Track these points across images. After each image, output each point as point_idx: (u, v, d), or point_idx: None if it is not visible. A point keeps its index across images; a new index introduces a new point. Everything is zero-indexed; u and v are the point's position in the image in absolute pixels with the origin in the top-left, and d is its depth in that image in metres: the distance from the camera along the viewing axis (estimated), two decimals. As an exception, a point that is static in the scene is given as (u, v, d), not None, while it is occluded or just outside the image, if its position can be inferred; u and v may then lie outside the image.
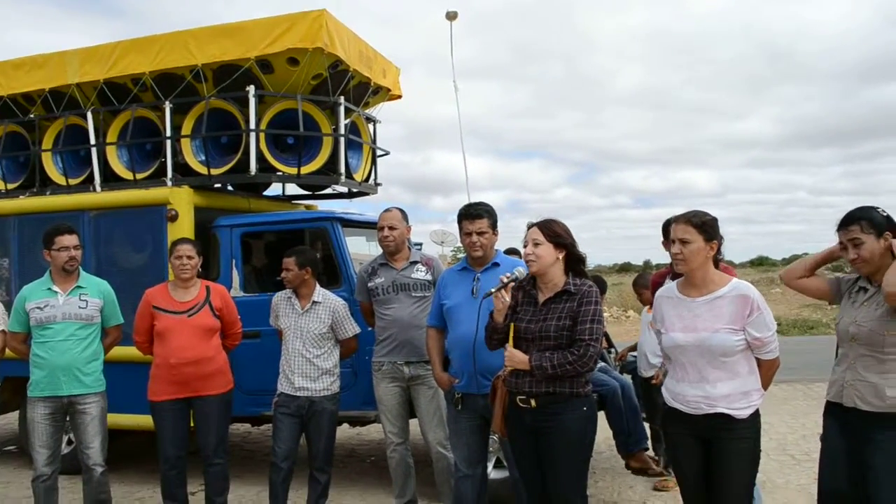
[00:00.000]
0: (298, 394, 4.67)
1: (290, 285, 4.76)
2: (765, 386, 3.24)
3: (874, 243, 3.09)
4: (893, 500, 2.99)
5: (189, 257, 4.71)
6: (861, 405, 3.10)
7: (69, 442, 5.79)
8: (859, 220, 3.13)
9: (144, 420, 4.99)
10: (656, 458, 5.62)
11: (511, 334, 3.45)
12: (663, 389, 3.41)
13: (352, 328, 4.83)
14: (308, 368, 4.68)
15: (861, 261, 3.13)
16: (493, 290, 3.50)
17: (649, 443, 5.41)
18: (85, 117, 6.47)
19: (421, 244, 7.70)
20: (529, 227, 3.49)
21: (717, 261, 3.33)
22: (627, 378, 5.67)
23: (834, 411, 3.26)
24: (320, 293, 4.82)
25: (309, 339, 4.68)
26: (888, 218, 3.13)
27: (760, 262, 48.57)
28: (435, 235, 16.71)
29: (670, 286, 3.41)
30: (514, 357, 3.36)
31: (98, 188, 6.39)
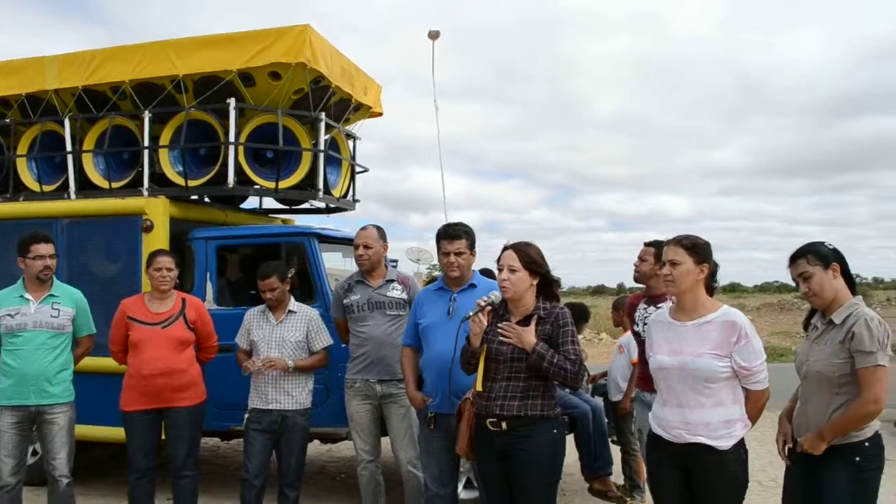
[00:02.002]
0: (270, 407, 4.64)
1: (276, 303, 4.74)
2: (753, 419, 3.19)
3: (822, 275, 3.14)
4: None
5: (168, 269, 4.69)
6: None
7: (34, 452, 5.69)
8: (806, 253, 3.19)
9: (112, 432, 4.93)
10: (623, 484, 5.66)
11: (483, 355, 3.45)
12: (650, 415, 3.39)
13: (325, 339, 4.83)
14: (282, 381, 4.66)
15: (812, 293, 3.18)
16: (470, 314, 3.49)
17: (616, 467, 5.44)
18: (62, 124, 6.42)
19: (397, 261, 7.71)
20: (505, 248, 3.50)
21: (711, 287, 3.30)
22: (599, 401, 5.70)
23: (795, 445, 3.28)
24: (294, 303, 4.83)
25: (286, 348, 4.67)
26: (834, 251, 3.19)
27: (732, 289, 49.17)
28: (411, 253, 16.66)
29: (663, 311, 3.42)
30: (522, 336, 3.30)
31: (73, 196, 6.33)
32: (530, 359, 3.27)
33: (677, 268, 3.19)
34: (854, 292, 3.21)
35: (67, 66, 6.40)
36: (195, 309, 4.82)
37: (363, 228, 4.81)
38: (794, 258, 3.22)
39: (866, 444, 3.05)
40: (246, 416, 4.74)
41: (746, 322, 3.15)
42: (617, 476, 5.72)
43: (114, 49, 6.33)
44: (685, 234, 3.27)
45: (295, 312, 4.79)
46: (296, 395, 4.69)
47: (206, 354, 4.93)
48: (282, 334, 4.70)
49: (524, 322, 3.43)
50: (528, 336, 3.30)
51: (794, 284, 3.38)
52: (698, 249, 3.20)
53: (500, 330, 3.36)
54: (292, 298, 4.86)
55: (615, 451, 5.61)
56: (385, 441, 4.89)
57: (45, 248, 4.50)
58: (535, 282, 3.46)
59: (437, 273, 4.44)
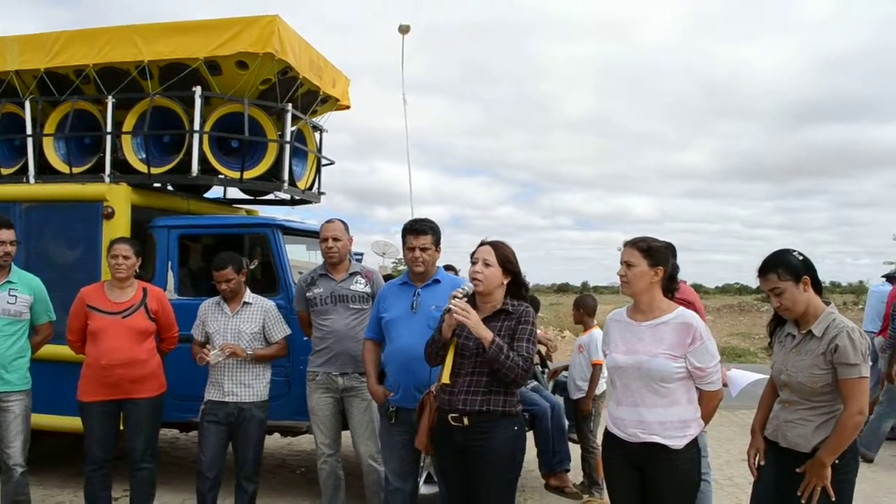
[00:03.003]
0: (227, 399, 4.61)
1: (231, 294, 4.71)
2: (706, 418, 3.25)
3: (794, 289, 3.14)
4: None
5: (125, 257, 4.61)
6: (791, 447, 3.19)
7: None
8: (776, 267, 3.17)
9: (69, 421, 4.86)
10: (581, 481, 5.73)
11: (452, 350, 3.45)
12: (606, 412, 3.43)
13: (282, 330, 4.81)
14: (239, 373, 4.63)
15: (784, 308, 3.20)
16: (452, 304, 3.33)
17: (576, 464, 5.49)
18: (22, 106, 6.27)
19: (362, 254, 7.70)
20: (483, 244, 3.51)
21: (671, 290, 3.34)
22: (559, 398, 5.74)
23: (770, 446, 3.33)
24: (250, 295, 4.80)
25: (242, 340, 4.63)
26: (804, 261, 3.18)
27: (695, 290, 49.76)
28: (377, 246, 16.64)
29: (620, 311, 3.44)
30: (478, 327, 3.25)
31: (32, 180, 6.20)
32: (488, 351, 3.24)
33: (632, 269, 3.24)
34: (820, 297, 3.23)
35: (29, 47, 6.25)
36: (157, 299, 4.75)
37: (329, 221, 4.80)
38: (765, 271, 3.21)
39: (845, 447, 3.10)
40: (202, 407, 4.70)
41: (701, 324, 3.20)
42: (576, 473, 5.79)
43: (78, 32, 6.20)
44: (643, 236, 3.30)
45: (251, 304, 4.75)
46: (254, 387, 4.67)
47: (167, 345, 4.87)
48: (237, 326, 4.67)
49: (494, 317, 3.44)
50: (484, 330, 3.26)
51: (754, 286, 3.40)
52: (653, 252, 3.23)
53: (453, 304, 3.29)
54: (248, 290, 4.82)
55: (575, 449, 5.67)
56: (346, 435, 4.89)
57: (6, 234, 4.44)
58: (506, 280, 3.47)
59: (402, 268, 4.44)
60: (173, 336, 4.89)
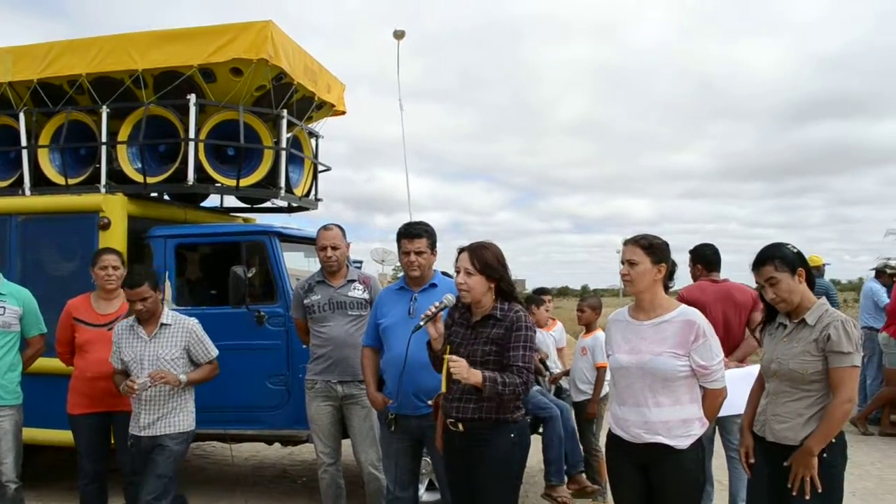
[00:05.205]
0: (143, 434, 4.20)
1: (147, 315, 4.22)
2: (710, 416, 3.22)
3: (790, 280, 3.15)
4: None
5: (114, 268, 4.58)
6: (779, 440, 3.16)
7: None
8: (772, 258, 3.19)
9: (62, 435, 4.81)
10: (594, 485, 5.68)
11: (447, 357, 3.40)
12: (608, 414, 3.40)
13: (211, 350, 4.39)
14: (158, 403, 4.21)
15: (780, 299, 3.19)
16: (421, 322, 3.39)
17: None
18: (16, 118, 6.25)
19: (361, 262, 7.65)
20: (460, 251, 3.45)
21: (667, 287, 3.33)
22: (564, 403, 5.69)
23: (759, 442, 3.31)
24: (169, 314, 4.34)
25: (162, 367, 4.17)
26: (798, 254, 3.21)
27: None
28: (376, 254, 16.67)
29: (622, 311, 3.41)
30: (469, 377, 3.15)
31: (28, 192, 6.17)
32: (485, 392, 3.16)
33: (635, 268, 3.20)
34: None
35: (22, 57, 6.24)
36: None
37: (327, 229, 4.72)
38: (761, 263, 3.22)
39: (834, 440, 3.08)
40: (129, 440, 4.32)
41: (704, 321, 3.18)
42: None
43: (71, 42, 6.19)
44: (643, 234, 3.28)
45: (169, 325, 4.27)
46: (173, 421, 4.25)
47: None
48: (155, 351, 4.21)
49: (483, 322, 3.39)
50: (474, 376, 3.14)
51: (752, 286, 3.40)
52: (655, 249, 3.21)
53: (449, 361, 3.18)
54: (167, 308, 4.39)
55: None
56: (346, 443, 4.84)
57: None
58: (492, 285, 3.41)
59: (401, 274, 4.38)
60: None
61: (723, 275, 5.07)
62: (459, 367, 3.13)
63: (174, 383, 4.14)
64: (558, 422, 5.19)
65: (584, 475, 5.35)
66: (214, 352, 4.39)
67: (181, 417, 4.27)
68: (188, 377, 4.24)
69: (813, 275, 3.29)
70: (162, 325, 4.26)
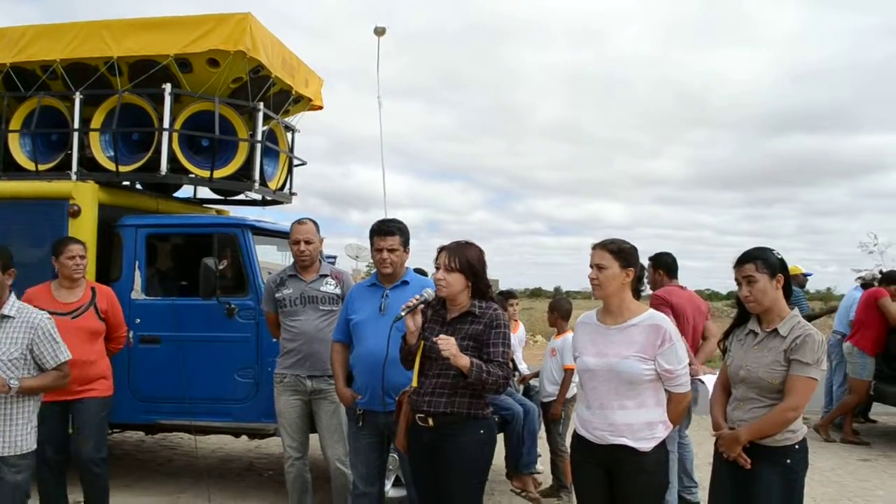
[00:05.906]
0: None
1: None
2: (674, 420, 3.26)
3: (767, 283, 3.19)
4: None
5: (82, 257, 4.56)
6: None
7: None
8: (755, 258, 3.23)
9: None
10: (550, 485, 5.72)
11: (419, 353, 3.43)
12: (574, 415, 3.43)
13: (58, 352, 3.66)
14: None
15: (752, 299, 3.23)
16: (402, 313, 3.45)
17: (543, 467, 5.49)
18: (-13, 102, 6.16)
19: (335, 257, 7.64)
20: (440, 250, 3.49)
21: (637, 291, 3.36)
22: (532, 404, 5.73)
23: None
24: (14, 304, 3.61)
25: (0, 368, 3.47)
26: (781, 261, 3.25)
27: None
28: (350, 249, 16.60)
29: (590, 314, 3.44)
30: (458, 358, 3.20)
31: (-4, 177, 6.08)
32: (470, 376, 3.21)
33: (603, 272, 3.23)
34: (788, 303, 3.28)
35: (-6, 41, 6.15)
36: (106, 298, 4.69)
37: (301, 223, 4.71)
38: (744, 261, 3.26)
39: (796, 446, 3.14)
40: None
41: (671, 326, 3.22)
42: (546, 476, 5.78)
43: (45, 26, 6.11)
44: (612, 238, 3.30)
45: (12, 318, 3.55)
46: (8, 436, 3.50)
47: (116, 345, 4.82)
48: None
49: (461, 319, 3.42)
50: (462, 358, 3.20)
51: (724, 293, 3.46)
52: (624, 254, 3.23)
53: (437, 341, 3.24)
54: (13, 298, 3.64)
55: (544, 452, 5.66)
56: (313, 438, 4.84)
57: None
58: (470, 283, 3.45)
59: (374, 270, 4.37)
60: (122, 336, 4.83)
61: (695, 279, 5.17)
62: (449, 344, 3.18)
63: (2, 390, 3.38)
64: (518, 420, 5.25)
65: (532, 478, 5.39)
66: (60, 357, 3.64)
67: (19, 435, 3.51)
68: (21, 383, 3.46)
69: (791, 286, 3.34)
70: (4, 316, 3.55)
